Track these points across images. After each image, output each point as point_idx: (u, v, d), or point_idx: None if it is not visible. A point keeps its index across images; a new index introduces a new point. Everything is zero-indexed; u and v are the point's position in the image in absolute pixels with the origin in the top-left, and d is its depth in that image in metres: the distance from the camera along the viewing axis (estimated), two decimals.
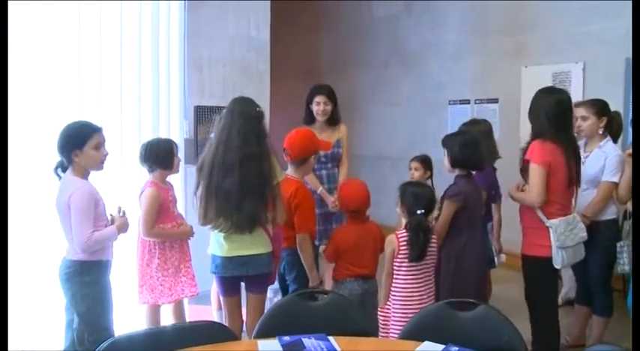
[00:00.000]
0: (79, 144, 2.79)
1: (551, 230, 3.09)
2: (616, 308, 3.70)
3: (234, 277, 3.03)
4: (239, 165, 2.85)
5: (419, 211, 2.97)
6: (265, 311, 2.32)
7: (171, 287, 3.54)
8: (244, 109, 2.96)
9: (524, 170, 3.18)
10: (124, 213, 3.02)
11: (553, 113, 3.10)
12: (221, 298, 3.18)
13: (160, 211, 3.46)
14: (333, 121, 4.04)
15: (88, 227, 2.75)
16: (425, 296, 3.04)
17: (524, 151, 3.16)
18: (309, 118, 4.02)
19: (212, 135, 3.02)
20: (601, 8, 5.15)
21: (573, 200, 3.36)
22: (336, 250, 3.22)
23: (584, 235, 3.22)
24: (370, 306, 3.19)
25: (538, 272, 3.21)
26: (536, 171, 3.06)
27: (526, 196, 3.15)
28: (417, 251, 2.93)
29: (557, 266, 3.13)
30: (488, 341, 2.07)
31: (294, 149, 3.27)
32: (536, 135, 3.13)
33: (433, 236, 3.09)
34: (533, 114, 3.19)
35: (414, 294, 3.00)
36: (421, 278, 3.03)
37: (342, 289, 3.15)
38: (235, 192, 2.85)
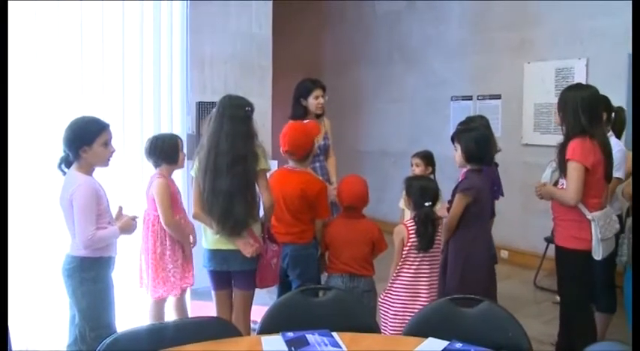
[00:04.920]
0: (88, 140, 2.76)
1: (593, 223, 3.06)
2: (619, 305, 3.69)
3: (220, 271, 3.08)
4: (227, 169, 2.87)
5: (426, 204, 3.02)
6: (269, 307, 2.32)
7: (181, 278, 3.54)
8: (232, 111, 2.95)
9: (562, 168, 3.11)
10: (134, 217, 3.01)
11: (587, 109, 3.06)
12: (212, 292, 3.22)
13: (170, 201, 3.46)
14: (321, 114, 4.06)
15: (90, 224, 2.73)
16: (430, 286, 3.05)
17: (562, 148, 3.09)
18: (301, 113, 3.98)
19: (203, 135, 3.04)
20: (604, 4, 5.13)
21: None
22: (325, 242, 3.26)
23: (618, 226, 3.22)
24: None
25: (577, 265, 3.15)
26: (577, 170, 3.01)
27: (564, 194, 3.09)
28: (425, 241, 2.99)
29: (596, 258, 3.10)
30: (492, 337, 2.07)
31: (299, 150, 3.25)
32: (573, 132, 3.07)
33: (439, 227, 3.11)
34: (566, 111, 3.12)
35: (420, 283, 3.03)
36: (427, 268, 3.07)
37: (328, 283, 3.17)
38: (223, 196, 2.88)
